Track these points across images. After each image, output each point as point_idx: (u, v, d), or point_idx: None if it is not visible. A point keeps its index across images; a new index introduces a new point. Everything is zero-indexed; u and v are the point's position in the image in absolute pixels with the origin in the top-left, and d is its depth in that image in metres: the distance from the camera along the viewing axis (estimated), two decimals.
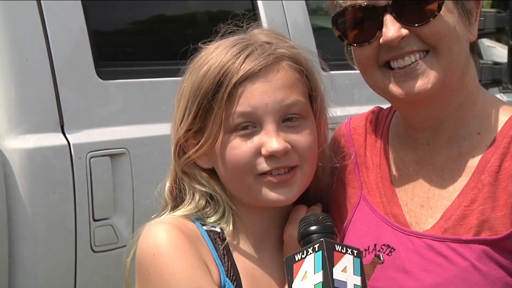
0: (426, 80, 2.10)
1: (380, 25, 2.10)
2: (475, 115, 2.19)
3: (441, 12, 2.09)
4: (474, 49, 2.23)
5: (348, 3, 2.14)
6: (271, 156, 2.14)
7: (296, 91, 2.18)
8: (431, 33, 2.09)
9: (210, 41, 2.26)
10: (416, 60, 2.11)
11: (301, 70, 2.20)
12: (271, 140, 2.14)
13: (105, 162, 3.92)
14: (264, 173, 2.16)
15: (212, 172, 2.25)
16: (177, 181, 2.26)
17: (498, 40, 8.15)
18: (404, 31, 2.09)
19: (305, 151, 2.17)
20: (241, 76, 2.14)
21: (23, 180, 3.69)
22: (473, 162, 2.15)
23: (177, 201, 2.26)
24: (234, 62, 2.15)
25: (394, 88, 2.14)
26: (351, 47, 2.19)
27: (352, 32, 2.16)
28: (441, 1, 2.09)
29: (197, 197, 2.23)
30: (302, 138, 2.17)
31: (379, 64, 2.15)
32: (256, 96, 2.14)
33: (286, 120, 2.17)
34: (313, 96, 2.22)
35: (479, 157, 2.15)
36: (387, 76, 2.14)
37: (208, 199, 2.23)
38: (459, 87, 2.17)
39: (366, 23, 2.13)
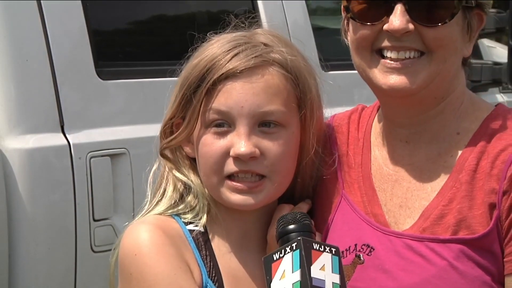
0: (412, 79, 2.09)
1: (389, 12, 2.08)
2: (457, 116, 2.19)
3: (450, 21, 2.09)
4: (466, 63, 2.22)
5: None
6: (238, 159, 2.12)
7: (278, 99, 2.13)
8: (434, 38, 2.09)
9: (220, 32, 2.24)
10: (409, 58, 2.10)
11: (291, 78, 2.16)
12: (240, 142, 2.11)
13: (105, 162, 3.92)
14: (231, 177, 2.14)
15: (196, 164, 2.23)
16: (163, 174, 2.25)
17: (498, 40, 8.14)
18: (411, 26, 2.08)
19: (275, 161, 2.13)
20: (222, 74, 2.12)
21: (23, 180, 3.68)
22: (452, 162, 2.15)
23: (158, 193, 2.25)
24: (221, 59, 2.13)
25: (379, 77, 2.12)
26: (351, 22, 2.17)
27: (360, 7, 2.14)
28: (456, 11, 2.09)
29: (178, 185, 2.21)
30: (274, 147, 2.13)
31: (372, 48, 2.14)
32: (234, 96, 2.12)
33: (264, 125, 2.13)
34: (301, 106, 2.18)
35: (458, 156, 2.14)
36: (376, 62, 2.13)
37: (186, 194, 2.21)
38: (444, 95, 2.16)
39: (376, 5, 2.10)
